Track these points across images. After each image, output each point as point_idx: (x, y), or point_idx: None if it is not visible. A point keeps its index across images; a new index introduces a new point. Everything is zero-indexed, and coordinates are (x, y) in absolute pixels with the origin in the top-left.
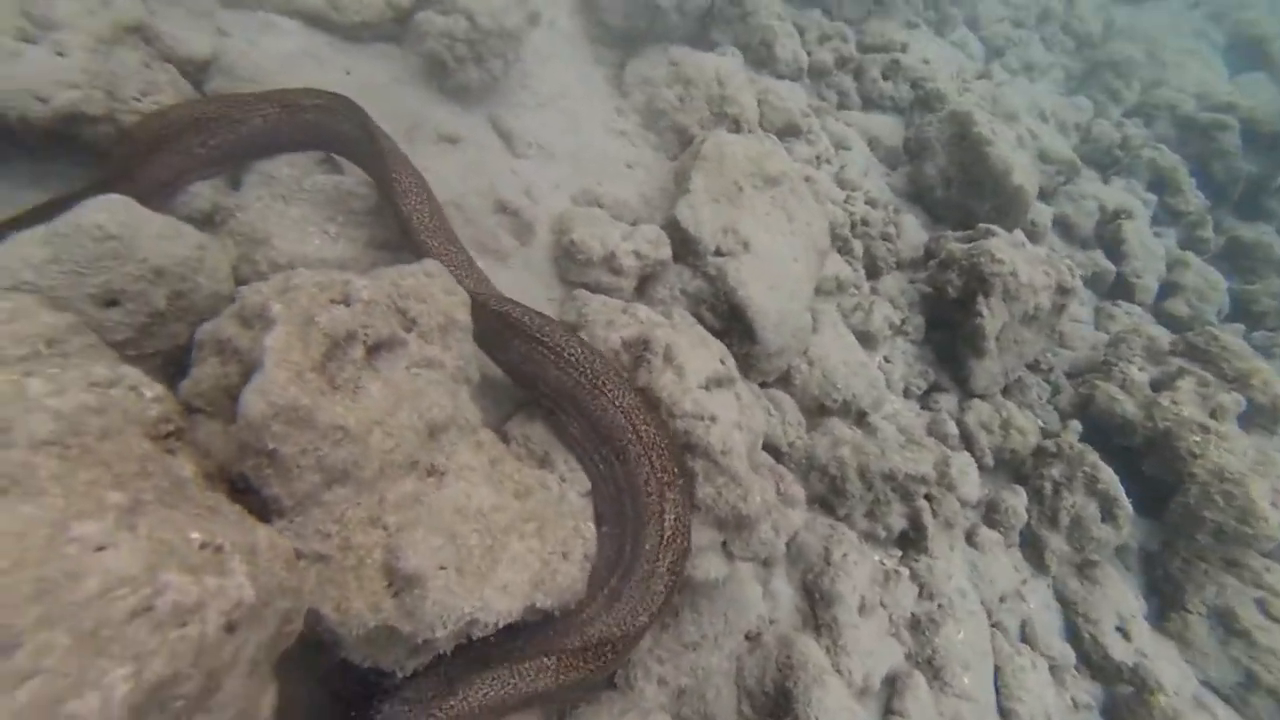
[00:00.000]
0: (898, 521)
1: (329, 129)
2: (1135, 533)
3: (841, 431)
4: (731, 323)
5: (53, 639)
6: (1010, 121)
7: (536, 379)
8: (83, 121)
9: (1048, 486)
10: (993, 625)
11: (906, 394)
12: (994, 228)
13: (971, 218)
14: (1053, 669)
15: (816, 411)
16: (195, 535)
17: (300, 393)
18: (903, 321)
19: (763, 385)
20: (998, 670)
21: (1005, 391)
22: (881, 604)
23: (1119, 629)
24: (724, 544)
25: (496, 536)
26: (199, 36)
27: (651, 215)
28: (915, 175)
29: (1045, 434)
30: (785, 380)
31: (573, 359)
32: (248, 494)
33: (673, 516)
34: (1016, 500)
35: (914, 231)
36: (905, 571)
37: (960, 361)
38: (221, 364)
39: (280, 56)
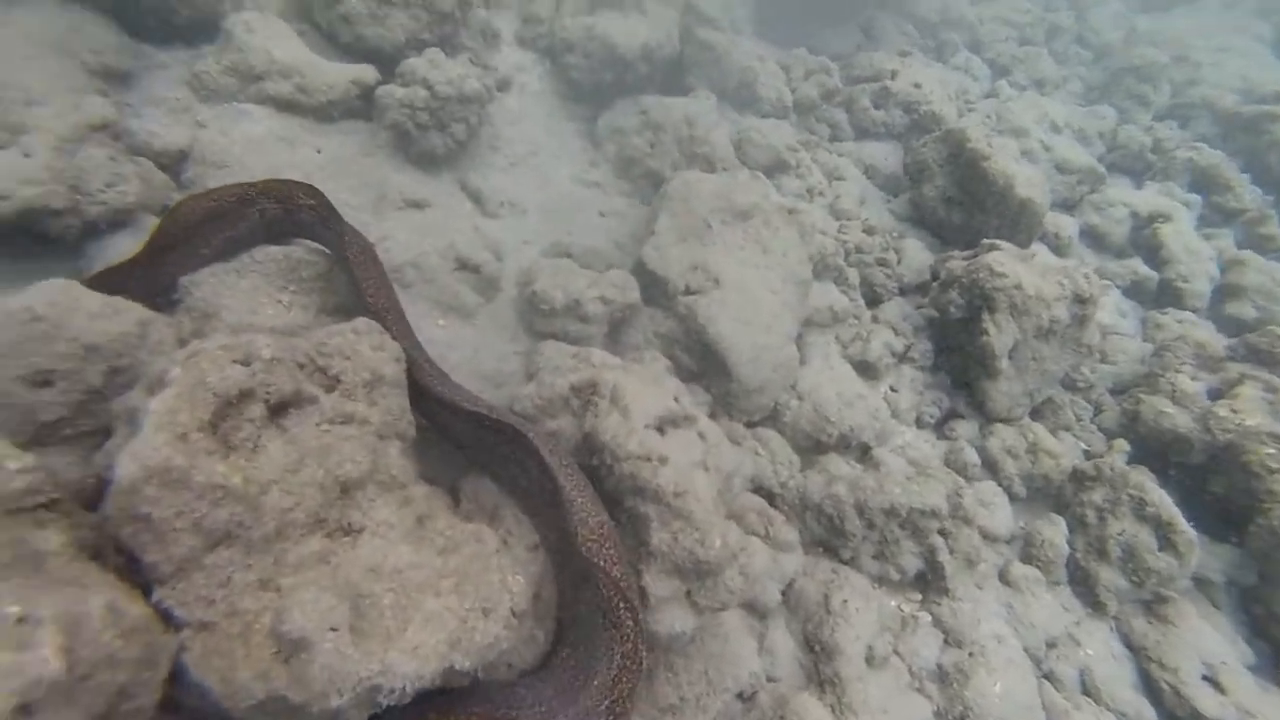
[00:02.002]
0: (911, 561)
1: (315, 229)
2: (1218, 564)
3: (837, 468)
4: (706, 362)
5: None
6: (1019, 136)
7: (516, 482)
8: (46, 215)
9: (1090, 514)
10: (1043, 676)
11: (919, 424)
12: (998, 242)
13: (979, 236)
14: None
15: (813, 449)
16: (13, 609)
17: (174, 453)
18: (908, 348)
19: (749, 425)
20: None
21: (1035, 413)
22: (896, 654)
23: (1207, 678)
24: (688, 594)
25: (410, 595)
26: (176, 129)
27: (625, 262)
28: (917, 199)
29: (1088, 456)
30: (774, 418)
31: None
32: (139, 568)
33: (619, 654)
34: (1054, 531)
35: (918, 255)
36: (926, 617)
37: (975, 385)
38: (130, 434)
39: (252, 141)
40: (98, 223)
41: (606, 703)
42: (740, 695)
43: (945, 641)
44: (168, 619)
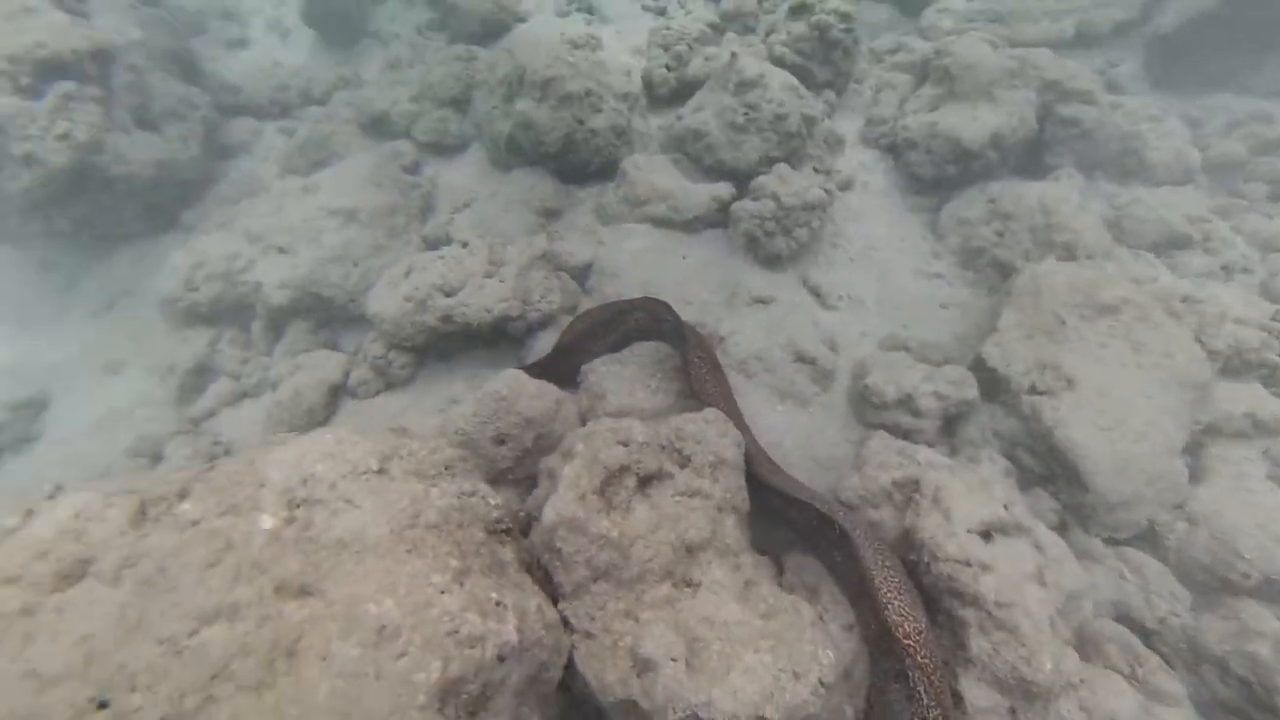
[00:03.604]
0: None
1: (670, 336)
2: None
3: (1256, 619)
4: (1054, 466)
5: (413, 636)
6: None
7: (838, 569)
8: (508, 321)
9: None
10: None
11: None
12: None
13: None
14: None
15: (1217, 587)
16: (494, 595)
17: (578, 509)
18: None
19: (1110, 542)
20: None
21: None
22: None
23: None
24: (1012, 711)
25: (734, 646)
26: (584, 248)
27: (966, 355)
28: None
29: None
30: (1150, 540)
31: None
32: (548, 581)
33: None
34: None
35: None
36: None
37: None
38: (551, 489)
39: (634, 253)
40: (533, 324)
41: None
42: None
43: None
44: (565, 624)
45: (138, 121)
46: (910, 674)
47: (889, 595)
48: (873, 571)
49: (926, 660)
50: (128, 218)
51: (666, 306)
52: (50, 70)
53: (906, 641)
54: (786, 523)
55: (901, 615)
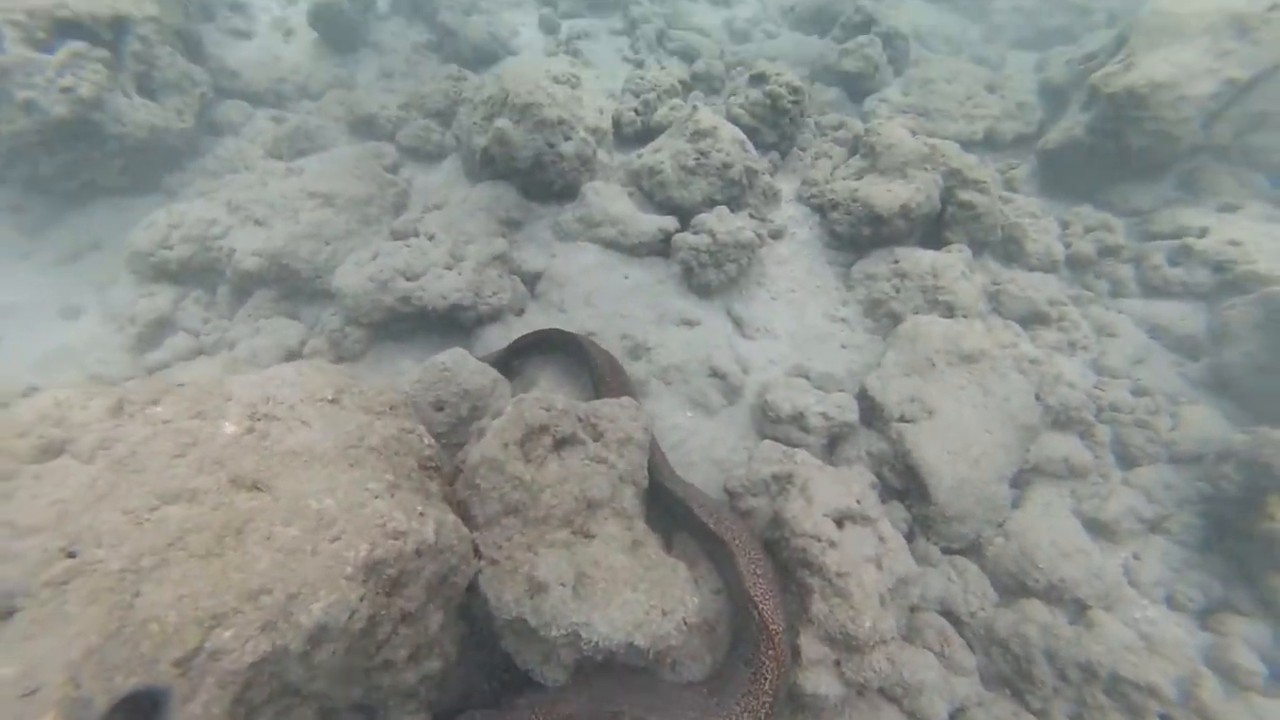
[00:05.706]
0: None
1: (578, 351)
2: None
3: (1035, 612)
4: (909, 482)
5: (346, 526)
6: None
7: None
8: (460, 309)
9: None
10: None
11: (1174, 606)
12: None
13: None
14: None
15: (1016, 590)
16: (419, 507)
17: (499, 452)
18: (1163, 519)
19: (947, 551)
20: None
21: None
22: None
23: None
24: (837, 663)
25: (616, 586)
26: (538, 258)
27: (855, 388)
28: (1218, 365)
29: None
30: (976, 551)
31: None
32: (467, 518)
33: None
34: None
35: (1205, 424)
36: None
37: (1260, 580)
38: (479, 440)
39: (582, 268)
40: (483, 317)
41: None
42: None
43: None
44: (476, 553)
45: (139, 88)
46: (764, 659)
47: (760, 598)
48: (748, 580)
49: (780, 653)
50: (111, 173)
51: (574, 336)
52: (67, 29)
53: (774, 637)
54: (683, 526)
55: (768, 618)
